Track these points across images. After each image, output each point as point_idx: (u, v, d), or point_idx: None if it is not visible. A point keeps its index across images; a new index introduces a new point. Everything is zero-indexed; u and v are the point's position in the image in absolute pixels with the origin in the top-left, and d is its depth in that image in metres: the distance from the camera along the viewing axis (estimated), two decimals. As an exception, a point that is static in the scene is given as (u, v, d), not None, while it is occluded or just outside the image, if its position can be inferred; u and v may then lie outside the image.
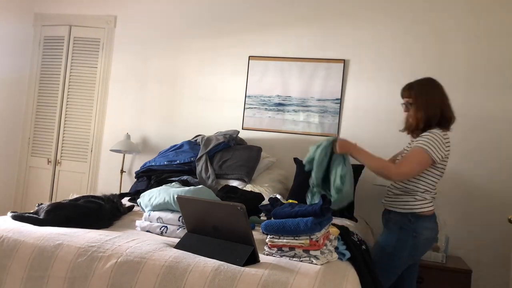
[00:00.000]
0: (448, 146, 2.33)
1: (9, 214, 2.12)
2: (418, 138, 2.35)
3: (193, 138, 3.73)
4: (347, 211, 2.96)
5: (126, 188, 3.82)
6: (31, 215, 2.08)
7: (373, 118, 3.55)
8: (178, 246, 1.78)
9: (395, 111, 3.51)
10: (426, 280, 2.95)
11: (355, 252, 2.00)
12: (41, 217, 2.04)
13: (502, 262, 3.14)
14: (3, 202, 4.26)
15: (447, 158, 2.35)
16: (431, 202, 2.37)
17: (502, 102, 3.33)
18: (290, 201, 2.27)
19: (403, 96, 2.54)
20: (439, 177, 2.39)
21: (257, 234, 2.06)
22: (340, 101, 3.63)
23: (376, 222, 3.34)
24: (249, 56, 3.85)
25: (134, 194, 3.24)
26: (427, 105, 2.39)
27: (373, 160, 2.35)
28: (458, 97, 3.40)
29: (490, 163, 3.31)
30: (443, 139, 2.30)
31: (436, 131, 2.31)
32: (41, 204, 2.19)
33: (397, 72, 3.52)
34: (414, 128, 2.41)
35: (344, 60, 3.63)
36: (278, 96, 3.77)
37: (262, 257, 1.69)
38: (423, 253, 2.47)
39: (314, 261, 1.69)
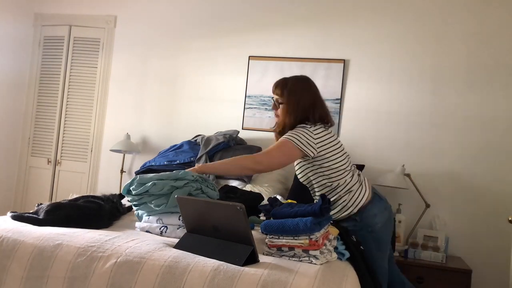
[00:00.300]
0: (320, 137, 2.20)
1: (9, 214, 2.11)
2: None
3: (193, 138, 3.73)
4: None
5: (126, 188, 3.81)
6: (30, 215, 2.08)
7: (373, 118, 3.55)
8: (177, 246, 1.78)
9: (395, 111, 3.53)
10: (426, 280, 2.95)
11: (355, 252, 2.00)
12: (40, 217, 2.04)
13: (502, 262, 3.13)
14: (3, 202, 4.26)
15: (330, 143, 2.22)
16: (360, 187, 2.26)
17: (503, 101, 3.33)
18: (289, 201, 2.27)
19: (274, 92, 2.36)
20: (342, 161, 2.24)
21: (256, 234, 2.06)
22: (340, 101, 3.63)
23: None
24: (249, 56, 3.85)
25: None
26: (298, 108, 2.27)
27: (226, 163, 2.26)
28: (458, 97, 3.42)
29: (491, 163, 3.31)
30: (310, 131, 2.18)
31: (304, 126, 2.21)
32: (41, 204, 2.19)
33: (397, 72, 3.52)
34: (281, 131, 2.29)
35: (344, 60, 3.63)
36: (278, 96, 3.76)
37: (262, 257, 1.69)
38: (389, 238, 2.33)
39: (314, 261, 1.69)
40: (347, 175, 2.26)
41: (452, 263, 3.05)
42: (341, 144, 2.30)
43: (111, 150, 3.94)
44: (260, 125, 3.81)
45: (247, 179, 3.31)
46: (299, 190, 2.96)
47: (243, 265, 1.57)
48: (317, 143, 2.19)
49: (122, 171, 4.04)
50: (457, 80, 3.41)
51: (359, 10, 3.64)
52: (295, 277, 1.52)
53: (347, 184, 2.25)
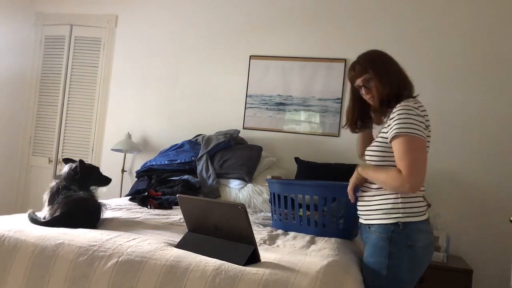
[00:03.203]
0: (426, 115, 1.86)
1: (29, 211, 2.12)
2: (389, 123, 1.85)
3: (193, 138, 3.73)
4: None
5: (127, 188, 3.82)
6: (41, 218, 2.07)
7: (374, 118, 3.55)
8: (179, 246, 1.78)
9: (396, 110, 3.53)
10: (427, 280, 2.94)
11: None
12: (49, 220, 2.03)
13: (503, 262, 3.13)
14: (4, 201, 4.26)
15: (429, 135, 1.88)
16: (422, 199, 1.90)
17: (504, 101, 3.32)
18: None
19: (356, 75, 2.00)
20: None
21: (257, 234, 2.06)
22: (341, 100, 3.63)
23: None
24: (250, 56, 3.85)
25: (135, 194, 3.25)
26: (389, 74, 1.95)
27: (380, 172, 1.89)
28: (458, 96, 3.41)
29: (492, 163, 3.31)
30: (419, 111, 1.82)
31: (407, 104, 1.83)
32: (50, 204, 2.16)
33: (398, 71, 3.52)
34: (384, 105, 1.92)
35: (345, 59, 3.62)
36: (279, 95, 3.77)
37: (263, 257, 1.68)
38: (425, 265, 1.96)
39: None
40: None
41: (453, 263, 3.04)
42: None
43: (112, 150, 3.94)
44: (261, 125, 3.81)
45: (248, 178, 3.31)
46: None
47: (244, 265, 1.57)
48: (427, 121, 1.84)
49: (123, 171, 4.04)
50: (458, 80, 3.41)
51: (360, 10, 3.64)
52: (296, 276, 1.51)
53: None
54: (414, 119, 1.79)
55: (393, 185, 1.81)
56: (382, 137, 1.89)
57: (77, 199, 2.24)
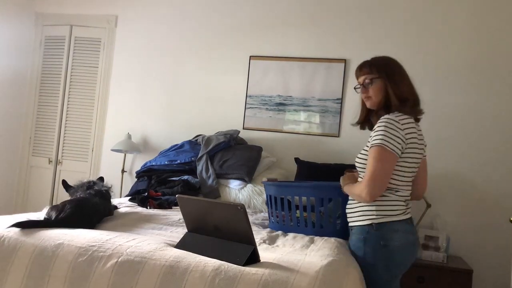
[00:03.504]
0: (409, 131, 1.94)
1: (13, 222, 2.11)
2: (371, 134, 1.97)
3: (193, 138, 3.73)
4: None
5: (127, 188, 3.82)
6: (43, 219, 2.07)
7: (374, 118, 3.55)
8: (178, 246, 1.78)
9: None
10: (427, 280, 2.95)
11: None
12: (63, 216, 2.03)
13: (503, 262, 3.14)
14: (4, 201, 4.27)
15: (413, 147, 1.96)
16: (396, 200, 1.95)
17: (505, 101, 3.32)
18: None
19: (360, 74, 2.08)
20: (408, 171, 1.97)
21: (256, 234, 2.06)
22: (341, 101, 3.63)
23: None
24: (250, 56, 3.85)
25: (135, 194, 3.25)
26: (396, 78, 2.01)
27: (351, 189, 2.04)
28: (459, 96, 3.41)
29: (492, 163, 3.31)
30: (399, 124, 1.90)
31: (389, 117, 1.92)
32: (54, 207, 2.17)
33: (398, 71, 3.52)
34: (381, 107, 2.00)
35: (345, 59, 3.63)
36: (279, 95, 3.77)
37: (263, 257, 1.68)
38: (405, 263, 1.99)
39: None
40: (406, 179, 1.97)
41: (453, 263, 3.04)
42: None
43: (112, 150, 3.94)
44: (261, 125, 3.81)
45: (247, 178, 3.31)
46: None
47: (244, 265, 1.57)
48: (406, 139, 1.93)
49: (123, 171, 4.04)
50: (458, 79, 3.41)
51: (360, 10, 3.64)
52: (296, 276, 1.52)
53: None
54: (391, 133, 1.89)
55: (356, 193, 1.97)
56: (367, 146, 1.99)
57: (85, 199, 2.28)
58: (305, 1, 3.77)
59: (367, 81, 2.05)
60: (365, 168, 1.95)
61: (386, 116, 1.94)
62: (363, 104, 2.15)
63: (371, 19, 3.61)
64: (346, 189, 2.07)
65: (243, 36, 3.90)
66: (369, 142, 1.97)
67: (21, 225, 1.88)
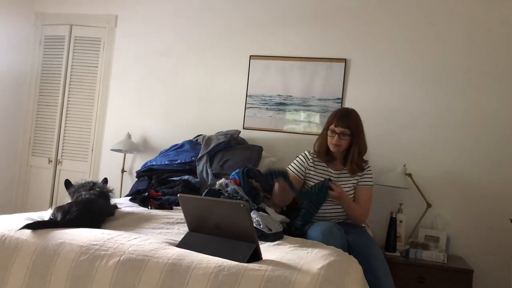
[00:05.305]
0: None
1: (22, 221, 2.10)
2: (368, 173, 2.76)
3: (194, 138, 3.73)
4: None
5: (127, 188, 3.82)
6: (49, 219, 2.06)
7: (374, 118, 3.55)
8: (180, 245, 1.78)
9: (396, 110, 3.53)
10: (428, 280, 2.95)
11: None
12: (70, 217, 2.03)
13: (504, 262, 3.14)
14: (3, 201, 4.26)
15: None
16: None
17: (505, 101, 3.32)
18: None
19: (342, 125, 2.67)
20: None
21: (257, 233, 2.05)
22: (341, 100, 3.63)
23: (378, 222, 3.36)
24: (250, 56, 3.85)
25: (135, 194, 3.25)
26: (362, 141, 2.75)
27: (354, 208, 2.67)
28: (459, 96, 3.41)
29: (493, 163, 3.31)
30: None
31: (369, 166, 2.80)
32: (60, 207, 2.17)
33: (399, 71, 3.53)
34: (356, 164, 2.71)
35: (345, 59, 3.63)
36: (279, 95, 3.77)
37: (265, 255, 1.69)
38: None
39: None
40: None
41: (454, 263, 3.04)
42: None
43: (112, 150, 3.94)
44: (261, 125, 3.81)
45: (248, 178, 3.30)
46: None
47: (246, 263, 1.57)
48: None
49: (123, 171, 4.04)
50: (458, 79, 3.41)
51: (360, 9, 3.64)
52: (298, 273, 1.52)
53: None
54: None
55: (358, 217, 2.68)
56: (353, 183, 2.73)
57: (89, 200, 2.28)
58: (305, 1, 3.77)
59: (343, 134, 2.65)
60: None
61: (369, 165, 2.79)
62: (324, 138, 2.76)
63: (371, 19, 3.61)
64: (345, 198, 2.61)
65: (243, 36, 3.90)
66: (354, 177, 2.74)
67: (32, 226, 1.87)
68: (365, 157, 2.76)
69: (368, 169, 2.77)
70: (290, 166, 2.81)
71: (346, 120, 2.64)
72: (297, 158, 2.83)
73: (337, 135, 2.64)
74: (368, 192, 2.72)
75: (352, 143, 2.66)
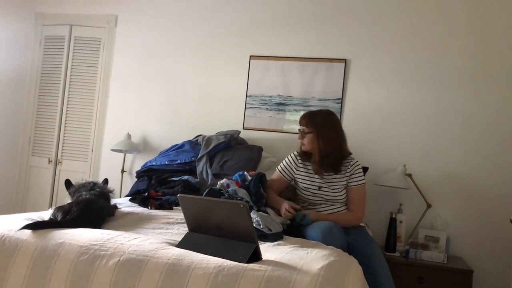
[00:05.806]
0: None
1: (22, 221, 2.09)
2: (356, 172, 2.66)
3: (194, 138, 3.73)
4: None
5: (127, 188, 3.81)
6: (49, 219, 2.06)
7: (374, 118, 3.55)
8: (180, 245, 1.78)
9: (397, 111, 3.53)
10: (427, 280, 2.95)
11: None
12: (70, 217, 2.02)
13: (504, 262, 3.15)
14: (3, 201, 4.26)
15: None
16: None
17: (505, 102, 3.32)
18: None
19: (302, 123, 2.73)
20: None
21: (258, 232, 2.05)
22: (341, 101, 3.63)
23: (377, 222, 3.36)
24: (250, 56, 3.85)
25: (135, 194, 3.25)
26: (329, 137, 2.68)
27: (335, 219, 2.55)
28: (459, 96, 3.42)
29: (493, 163, 3.31)
30: None
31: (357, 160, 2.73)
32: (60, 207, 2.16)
33: (399, 71, 3.53)
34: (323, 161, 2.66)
35: (345, 59, 3.63)
36: (279, 95, 3.78)
37: (265, 255, 1.69)
38: None
39: None
40: None
41: (453, 263, 3.04)
42: None
43: (112, 150, 3.94)
44: (261, 125, 3.81)
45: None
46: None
47: (246, 263, 1.57)
48: None
49: (123, 171, 4.04)
50: (459, 80, 3.41)
51: (360, 10, 3.64)
52: (298, 273, 1.52)
53: None
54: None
55: (351, 223, 2.61)
56: (341, 184, 2.66)
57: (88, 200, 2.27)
58: (306, 1, 3.77)
59: (304, 131, 2.73)
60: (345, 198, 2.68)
61: (355, 160, 2.71)
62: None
63: (372, 18, 3.61)
64: (325, 217, 2.55)
65: (243, 36, 3.90)
66: (343, 179, 2.66)
67: (32, 226, 1.87)
68: (362, 157, 2.79)
69: (356, 167, 2.67)
70: (278, 166, 2.85)
71: (308, 118, 2.71)
72: (286, 159, 2.84)
73: (300, 133, 2.72)
74: (359, 191, 2.66)
75: (317, 142, 2.65)
